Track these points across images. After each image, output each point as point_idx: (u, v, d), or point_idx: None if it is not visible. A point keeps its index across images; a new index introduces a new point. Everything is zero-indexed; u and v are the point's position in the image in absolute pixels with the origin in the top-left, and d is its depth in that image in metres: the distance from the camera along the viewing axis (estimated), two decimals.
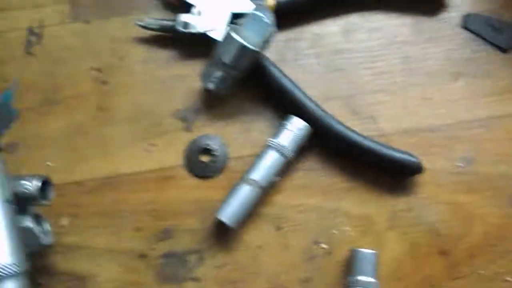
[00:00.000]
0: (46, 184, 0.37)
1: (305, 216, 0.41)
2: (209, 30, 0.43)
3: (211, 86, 0.41)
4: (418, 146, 0.42)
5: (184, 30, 0.43)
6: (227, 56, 0.40)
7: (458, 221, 0.41)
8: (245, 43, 0.39)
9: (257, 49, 0.40)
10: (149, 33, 0.45)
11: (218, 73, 0.41)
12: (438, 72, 0.44)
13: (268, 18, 0.39)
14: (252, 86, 0.43)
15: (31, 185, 0.36)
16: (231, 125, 0.43)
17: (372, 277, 0.38)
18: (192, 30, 0.43)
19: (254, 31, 0.39)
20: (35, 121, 0.43)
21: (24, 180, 0.36)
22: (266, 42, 0.40)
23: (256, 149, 0.42)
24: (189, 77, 0.44)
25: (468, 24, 0.45)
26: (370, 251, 0.38)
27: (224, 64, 0.40)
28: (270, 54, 0.44)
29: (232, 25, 0.41)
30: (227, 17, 0.43)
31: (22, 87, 0.44)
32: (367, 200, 0.41)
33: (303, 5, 0.45)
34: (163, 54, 0.45)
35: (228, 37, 0.40)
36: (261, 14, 0.39)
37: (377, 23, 0.46)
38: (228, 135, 0.43)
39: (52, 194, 0.37)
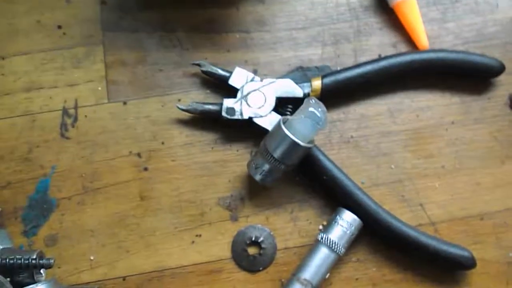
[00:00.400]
0: None
1: None
2: (255, 117, 0.41)
3: (258, 178, 0.40)
4: (467, 234, 0.42)
5: (229, 116, 0.41)
6: (277, 151, 0.38)
7: None
8: (297, 141, 0.38)
9: (309, 146, 0.38)
10: (190, 115, 0.43)
11: (266, 166, 0.39)
12: (485, 155, 0.44)
13: (322, 113, 0.38)
14: (299, 174, 0.42)
15: None
16: (278, 214, 0.42)
17: None
18: (237, 117, 0.41)
19: (307, 126, 0.38)
20: (74, 211, 0.42)
21: None
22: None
23: (304, 239, 0.42)
24: (233, 162, 0.43)
25: None
26: None
27: (273, 158, 0.39)
28: (316, 136, 0.42)
29: (284, 118, 0.39)
30: (272, 102, 0.42)
31: (59, 174, 0.42)
32: None
33: (348, 85, 0.43)
34: (205, 138, 0.43)
35: (279, 131, 0.38)
36: (315, 110, 0.38)
37: (424, 103, 0.44)
38: (275, 225, 0.42)
39: None
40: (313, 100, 0.38)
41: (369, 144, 0.44)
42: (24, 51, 0.45)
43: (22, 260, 0.33)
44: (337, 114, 0.44)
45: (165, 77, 0.45)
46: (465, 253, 0.40)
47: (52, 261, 0.33)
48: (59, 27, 0.45)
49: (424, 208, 0.42)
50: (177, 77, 0.45)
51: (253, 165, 0.40)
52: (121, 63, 0.45)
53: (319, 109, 0.38)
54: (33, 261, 0.33)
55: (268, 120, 0.41)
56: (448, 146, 0.44)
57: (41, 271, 0.34)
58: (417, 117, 0.44)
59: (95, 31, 0.45)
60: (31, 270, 0.33)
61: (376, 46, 0.46)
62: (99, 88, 0.44)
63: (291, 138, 0.38)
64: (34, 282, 0.33)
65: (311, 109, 0.38)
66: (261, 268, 0.41)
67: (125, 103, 0.44)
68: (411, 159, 0.43)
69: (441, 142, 0.44)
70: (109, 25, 0.45)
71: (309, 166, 0.41)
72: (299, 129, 0.38)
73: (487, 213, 0.42)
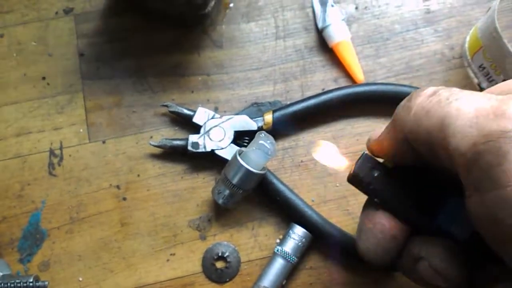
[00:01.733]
0: None
1: None
2: (216, 149, 0.48)
3: (221, 202, 0.47)
4: None
5: (194, 150, 0.48)
6: (235, 179, 0.45)
7: None
8: (251, 169, 0.45)
9: (261, 172, 0.45)
10: (162, 149, 0.50)
11: (227, 191, 0.46)
12: None
13: (271, 145, 0.45)
14: (258, 195, 0.49)
15: None
16: (241, 231, 0.49)
17: None
18: (201, 150, 0.48)
19: (258, 156, 0.45)
20: (64, 239, 0.48)
21: None
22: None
23: (264, 252, 0.48)
24: (200, 188, 0.50)
25: None
26: None
27: (232, 184, 0.45)
28: (271, 162, 0.50)
29: (239, 149, 0.46)
30: (231, 136, 0.49)
31: (49, 207, 0.49)
32: None
33: (296, 117, 0.50)
34: (175, 169, 0.50)
35: (235, 161, 0.45)
36: (264, 143, 0.45)
37: (362, 128, 0.52)
38: (238, 241, 0.49)
39: None
40: (263, 134, 0.45)
41: (317, 166, 0.51)
42: (13, 101, 0.51)
43: (21, 283, 0.39)
44: (288, 142, 0.51)
45: (138, 117, 0.51)
46: None
47: (46, 283, 0.39)
48: (43, 78, 0.52)
49: None
50: (149, 117, 0.51)
51: (216, 191, 0.47)
52: (99, 107, 0.51)
53: (268, 141, 0.45)
54: (30, 284, 0.39)
55: (228, 152, 0.48)
56: None
57: None
58: (357, 141, 0.51)
59: (75, 80, 0.52)
60: None
61: (320, 81, 0.53)
62: (81, 130, 0.51)
63: (245, 167, 0.45)
64: None
65: (261, 141, 0.45)
66: (228, 280, 0.47)
67: (104, 142, 0.50)
68: None
69: None
70: (88, 74, 0.52)
71: (265, 189, 0.48)
72: (252, 159, 0.45)
73: None
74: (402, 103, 0.33)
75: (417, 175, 0.35)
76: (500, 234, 0.27)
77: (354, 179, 0.37)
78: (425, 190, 0.35)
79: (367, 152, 0.37)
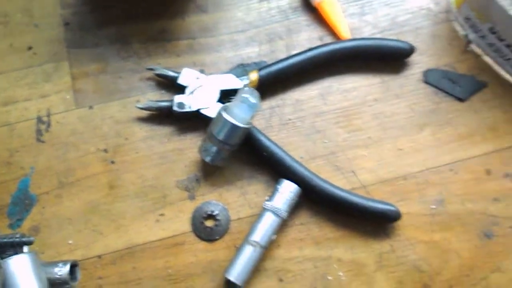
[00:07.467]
0: (74, 266, 0.42)
1: (302, 266, 0.46)
2: (202, 108, 0.48)
3: (208, 159, 0.47)
4: (395, 193, 0.48)
5: (179, 110, 0.48)
6: (221, 134, 0.45)
7: (436, 257, 0.46)
8: (236, 123, 0.44)
9: (247, 126, 0.45)
10: (148, 112, 0.50)
11: (214, 148, 0.46)
12: (406, 124, 0.50)
13: (254, 98, 0.45)
14: (246, 153, 0.49)
15: (62, 271, 0.40)
16: (230, 190, 0.48)
17: None
18: (187, 109, 0.48)
19: (243, 110, 0.45)
20: (53, 204, 0.48)
21: (55, 267, 0.40)
22: (253, 116, 0.46)
23: (253, 210, 0.48)
24: (188, 149, 0.49)
25: (428, 78, 0.52)
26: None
27: (218, 140, 0.45)
28: (258, 121, 0.50)
29: (224, 105, 0.46)
30: (217, 95, 0.49)
31: (37, 173, 0.49)
32: (356, 246, 0.47)
33: (282, 75, 0.50)
34: (162, 131, 0.50)
35: (220, 117, 0.45)
36: (248, 95, 0.44)
37: (350, 85, 0.51)
38: (227, 200, 0.48)
39: (79, 274, 0.42)
40: (246, 88, 0.45)
41: (305, 124, 0.50)
42: (0, 71, 0.51)
43: (7, 239, 0.39)
44: (276, 101, 0.51)
45: (124, 83, 0.51)
46: (392, 208, 0.46)
47: (32, 238, 0.39)
48: (30, 48, 0.52)
49: (356, 174, 0.49)
50: (135, 82, 0.51)
51: (203, 149, 0.47)
52: (85, 74, 0.51)
53: (251, 95, 0.45)
54: (17, 239, 0.39)
55: (214, 111, 0.48)
56: (373, 120, 0.50)
57: (24, 249, 0.40)
58: (344, 97, 0.51)
59: (60, 49, 0.52)
60: (16, 248, 0.39)
61: (305, 41, 0.53)
62: (68, 97, 0.51)
63: (230, 122, 0.44)
64: None
65: (244, 95, 0.45)
66: (217, 237, 0.47)
67: (91, 107, 0.50)
68: (342, 134, 0.50)
69: (366, 117, 0.51)
70: (73, 42, 0.52)
71: (252, 145, 0.48)
72: (237, 113, 0.45)
73: (409, 173, 0.49)
74: None
75: None
76: None
77: None
78: None
79: None
